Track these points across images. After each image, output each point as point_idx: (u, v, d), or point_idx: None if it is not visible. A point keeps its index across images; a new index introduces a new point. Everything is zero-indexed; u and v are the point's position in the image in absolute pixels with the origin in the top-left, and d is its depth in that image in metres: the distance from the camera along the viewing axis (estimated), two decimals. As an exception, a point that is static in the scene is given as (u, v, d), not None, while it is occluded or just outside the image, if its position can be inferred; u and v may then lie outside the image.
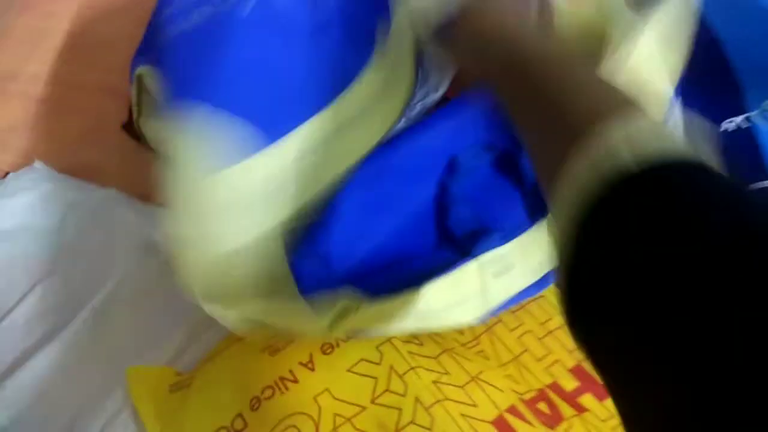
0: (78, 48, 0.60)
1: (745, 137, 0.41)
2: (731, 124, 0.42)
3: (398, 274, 0.39)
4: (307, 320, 0.36)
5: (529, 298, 0.42)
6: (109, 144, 0.56)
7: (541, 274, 0.41)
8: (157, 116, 0.46)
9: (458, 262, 0.38)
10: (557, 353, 0.41)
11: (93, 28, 0.61)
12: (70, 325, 0.45)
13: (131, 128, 0.53)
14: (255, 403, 0.39)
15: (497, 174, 0.42)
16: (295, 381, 0.39)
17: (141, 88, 0.48)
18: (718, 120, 0.43)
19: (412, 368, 0.38)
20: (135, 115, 0.51)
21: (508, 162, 0.41)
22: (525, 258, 0.40)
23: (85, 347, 0.45)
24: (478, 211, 0.41)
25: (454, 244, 0.41)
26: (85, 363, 0.44)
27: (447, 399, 0.36)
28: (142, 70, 0.46)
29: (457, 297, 0.38)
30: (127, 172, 0.54)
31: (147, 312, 0.45)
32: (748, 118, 0.42)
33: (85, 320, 0.45)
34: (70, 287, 0.47)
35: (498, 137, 0.42)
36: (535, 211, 0.41)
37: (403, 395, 0.37)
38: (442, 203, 0.41)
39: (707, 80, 0.43)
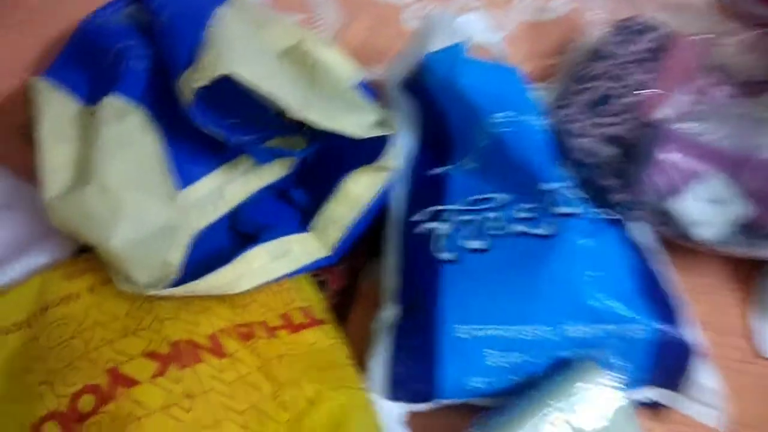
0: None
1: (438, 180, 0.59)
2: (435, 171, 0.60)
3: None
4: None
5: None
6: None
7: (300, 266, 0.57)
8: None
9: (249, 246, 0.55)
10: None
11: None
12: None
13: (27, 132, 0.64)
14: (43, 309, 0.52)
15: (276, 202, 0.63)
16: (78, 298, 0.53)
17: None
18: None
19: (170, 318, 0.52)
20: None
21: (283, 195, 0.63)
22: (299, 247, 0.57)
23: None
24: (261, 222, 0.59)
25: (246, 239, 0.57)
26: None
27: (178, 318, 0.50)
28: (41, 83, 0.60)
29: (243, 271, 0.54)
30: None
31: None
32: (447, 168, 0.60)
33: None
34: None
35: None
36: (305, 223, 0.61)
37: (149, 312, 0.51)
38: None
39: (437, 144, 0.61)
